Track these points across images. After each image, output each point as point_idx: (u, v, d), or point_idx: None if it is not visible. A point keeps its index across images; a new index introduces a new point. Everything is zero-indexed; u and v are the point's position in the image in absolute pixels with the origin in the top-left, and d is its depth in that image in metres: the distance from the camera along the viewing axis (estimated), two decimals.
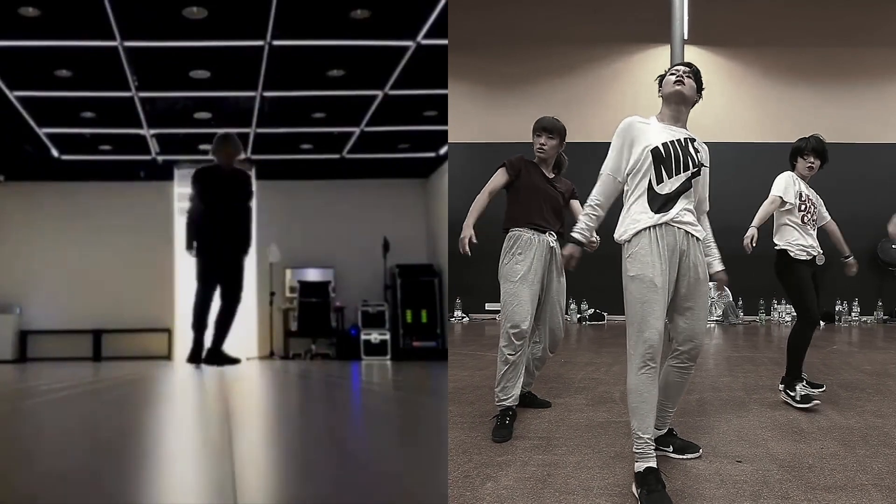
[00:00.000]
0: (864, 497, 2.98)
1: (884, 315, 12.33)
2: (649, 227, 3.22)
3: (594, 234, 3.56)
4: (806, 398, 4.77)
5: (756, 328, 11.35)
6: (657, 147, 3.31)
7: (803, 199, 5.25)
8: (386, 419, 3.18)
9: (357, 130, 9.07)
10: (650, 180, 3.30)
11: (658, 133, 3.37)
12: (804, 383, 4.92)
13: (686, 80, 3.44)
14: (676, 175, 3.31)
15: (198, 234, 7.58)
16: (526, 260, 4.28)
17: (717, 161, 13.92)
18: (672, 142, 3.35)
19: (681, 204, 3.29)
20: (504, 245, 4.38)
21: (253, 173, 10.66)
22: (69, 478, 1.94)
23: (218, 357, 7.54)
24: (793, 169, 5.35)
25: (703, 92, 3.55)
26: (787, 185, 5.21)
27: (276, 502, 1.67)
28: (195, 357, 7.57)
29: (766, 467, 3.38)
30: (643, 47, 13.03)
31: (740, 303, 12.11)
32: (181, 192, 10.58)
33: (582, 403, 4.86)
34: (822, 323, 11.64)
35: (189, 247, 7.64)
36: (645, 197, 3.29)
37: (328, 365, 8.38)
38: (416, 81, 7.48)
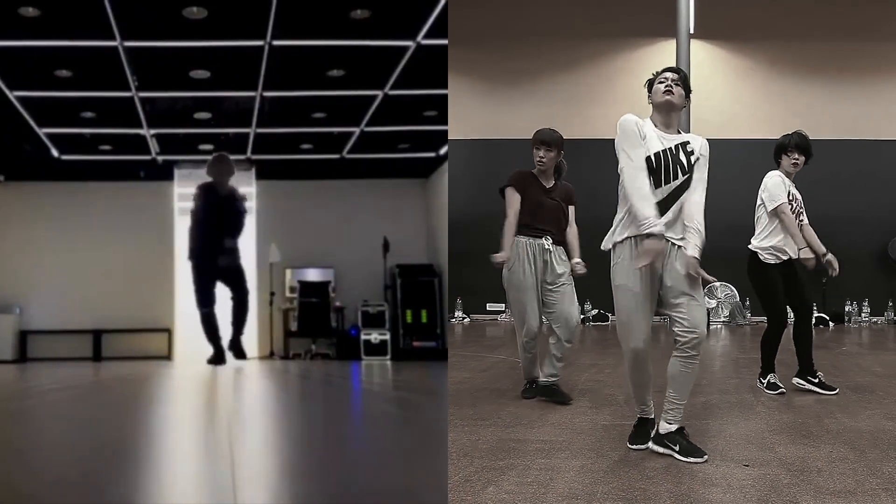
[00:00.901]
0: (875, 501, 2.94)
1: (895, 315, 11.92)
2: (630, 238, 3.49)
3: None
4: (773, 385, 5.26)
5: (763, 329, 11.26)
6: (650, 157, 3.48)
7: (790, 198, 5.29)
8: (386, 420, 3.18)
9: (357, 130, 9.06)
10: None
11: (654, 140, 3.53)
12: (775, 375, 5.33)
13: (675, 89, 3.57)
14: (666, 184, 3.50)
15: (198, 244, 8.08)
16: (526, 266, 4.87)
17: (721, 158, 13.83)
18: (663, 151, 3.51)
19: (669, 215, 3.49)
20: (509, 252, 4.89)
21: (253, 173, 10.69)
22: (69, 478, 1.94)
23: (238, 348, 8.14)
24: (778, 166, 5.38)
25: (691, 95, 3.72)
26: (779, 187, 5.23)
27: (276, 502, 1.67)
28: (218, 359, 8.14)
29: (775, 471, 3.33)
30: (648, 42, 12.77)
31: (747, 303, 11.84)
32: (181, 192, 10.59)
33: (585, 406, 4.81)
34: (831, 323, 11.52)
35: (191, 256, 8.15)
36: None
37: (328, 365, 8.37)
38: (416, 81, 7.47)
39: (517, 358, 7.08)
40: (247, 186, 10.66)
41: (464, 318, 12.29)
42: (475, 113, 12.89)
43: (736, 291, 11.85)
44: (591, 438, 3.96)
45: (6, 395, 4.44)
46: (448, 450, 3.55)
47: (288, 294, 10.47)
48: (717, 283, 11.78)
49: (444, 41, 6.58)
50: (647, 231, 3.36)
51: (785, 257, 5.24)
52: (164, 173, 10.43)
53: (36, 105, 7.96)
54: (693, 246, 3.50)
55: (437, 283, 10.09)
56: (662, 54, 12.24)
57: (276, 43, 6.55)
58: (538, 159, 5.03)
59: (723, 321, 11.79)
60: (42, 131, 8.81)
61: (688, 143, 3.61)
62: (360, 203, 10.83)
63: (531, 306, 4.85)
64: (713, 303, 11.88)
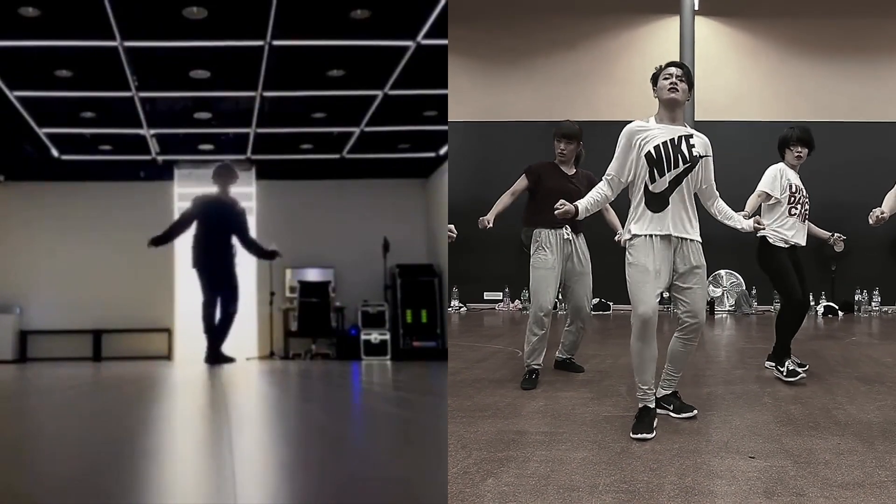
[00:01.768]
0: (883, 494, 2.91)
1: None
2: (645, 236, 3.88)
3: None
4: (792, 373, 5.25)
5: (770, 318, 11.09)
6: (650, 151, 3.87)
7: (793, 190, 5.46)
8: (386, 419, 3.18)
9: (357, 130, 9.06)
10: (645, 182, 3.89)
11: (654, 137, 3.89)
12: (791, 359, 5.39)
13: (679, 86, 3.91)
14: (668, 172, 3.86)
15: (200, 252, 8.28)
16: (549, 253, 5.28)
17: (728, 141, 13.75)
18: (665, 143, 3.88)
19: (675, 204, 3.88)
20: (532, 242, 5.36)
21: (253, 173, 10.69)
22: (69, 478, 1.94)
23: (217, 358, 8.18)
24: (782, 159, 5.56)
25: (693, 87, 4.05)
26: (773, 179, 5.43)
27: (276, 502, 1.67)
28: (211, 358, 8.23)
29: (781, 463, 3.31)
30: (652, 18, 12.26)
31: (753, 292, 11.67)
32: (181, 192, 10.59)
33: (587, 397, 4.79)
34: (840, 312, 11.34)
35: (194, 265, 8.33)
36: (643, 199, 3.91)
37: (328, 365, 8.38)
38: (416, 81, 7.47)
39: (516, 348, 7.14)
40: (247, 186, 10.66)
41: (460, 308, 12.14)
42: (471, 95, 12.27)
43: (742, 280, 11.61)
44: (593, 430, 3.93)
45: (6, 395, 4.44)
46: (448, 448, 3.54)
47: (288, 294, 10.46)
48: (723, 272, 11.67)
49: (444, 41, 6.58)
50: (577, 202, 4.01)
51: (792, 243, 5.43)
52: (164, 173, 10.42)
53: (36, 105, 7.96)
54: (741, 218, 4.33)
55: (437, 283, 10.09)
56: (667, 31, 11.82)
57: (276, 43, 6.55)
58: (559, 151, 5.45)
59: (728, 310, 11.55)
60: (42, 131, 8.81)
61: (691, 135, 3.98)
62: (360, 203, 10.83)
63: (547, 286, 5.22)
64: (718, 291, 11.72)
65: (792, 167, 5.51)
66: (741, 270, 11.47)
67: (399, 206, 10.90)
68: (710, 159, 4.07)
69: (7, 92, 7.49)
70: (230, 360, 8.24)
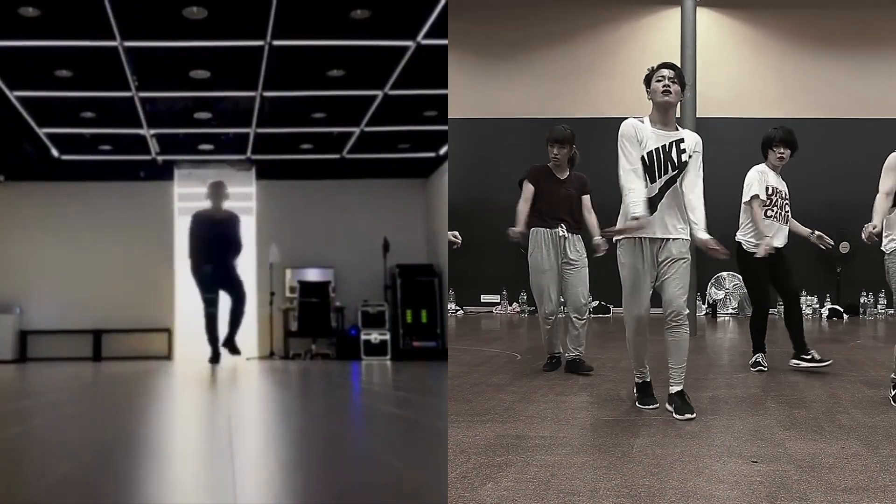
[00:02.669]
0: (888, 498, 2.88)
1: None
2: (635, 239, 4.15)
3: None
4: (755, 363, 5.81)
5: (773, 321, 11.04)
6: (643, 157, 4.11)
7: (770, 192, 5.64)
8: (386, 419, 3.18)
9: (357, 130, 9.06)
10: None
11: (648, 141, 4.12)
12: (763, 356, 5.84)
13: (672, 88, 4.11)
14: (659, 178, 4.14)
15: (199, 263, 8.70)
16: (543, 253, 5.60)
17: (728, 139, 13.50)
18: (657, 149, 4.12)
19: (663, 208, 4.14)
20: (529, 242, 5.68)
21: (253, 173, 10.69)
22: (69, 477, 1.94)
23: (232, 345, 8.63)
24: (765, 159, 5.73)
25: (685, 88, 4.26)
26: (758, 182, 5.61)
27: (276, 502, 1.67)
28: (215, 358, 8.64)
29: (784, 467, 3.28)
30: (652, 10, 11.94)
31: None
32: (181, 192, 10.60)
33: (587, 401, 4.77)
34: (845, 315, 11.17)
35: (195, 272, 8.76)
36: None
37: (328, 365, 8.38)
38: (416, 81, 7.47)
39: (514, 351, 7.15)
40: (247, 186, 10.67)
41: (457, 311, 11.98)
42: (466, 90, 11.92)
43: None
44: (593, 434, 3.91)
45: (6, 395, 4.44)
46: (448, 450, 3.54)
47: (288, 294, 10.46)
48: (725, 274, 11.61)
49: (444, 41, 6.59)
50: (632, 215, 4.08)
51: (772, 245, 5.55)
52: (164, 173, 10.42)
53: (36, 105, 7.96)
54: (702, 230, 4.20)
55: (437, 283, 10.09)
56: (667, 23, 11.50)
57: (276, 43, 6.55)
58: (553, 156, 5.66)
59: (731, 312, 11.45)
60: (42, 131, 8.81)
61: (682, 140, 4.20)
62: (360, 203, 10.82)
63: (549, 287, 5.60)
64: (721, 294, 11.65)
65: (774, 168, 5.68)
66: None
67: (399, 206, 10.90)
68: (699, 156, 4.27)
69: (7, 92, 7.49)
70: (238, 352, 8.63)
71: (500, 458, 3.46)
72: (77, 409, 3.63)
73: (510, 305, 12.13)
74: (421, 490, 1.78)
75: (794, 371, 5.88)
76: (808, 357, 5.79)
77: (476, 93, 12.16)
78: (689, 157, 4.19)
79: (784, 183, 5.81)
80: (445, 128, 8.90)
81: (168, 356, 10.49)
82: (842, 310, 11.32)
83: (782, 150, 5.63)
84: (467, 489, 3.01)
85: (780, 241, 5.67)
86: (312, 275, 10.53)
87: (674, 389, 4.30)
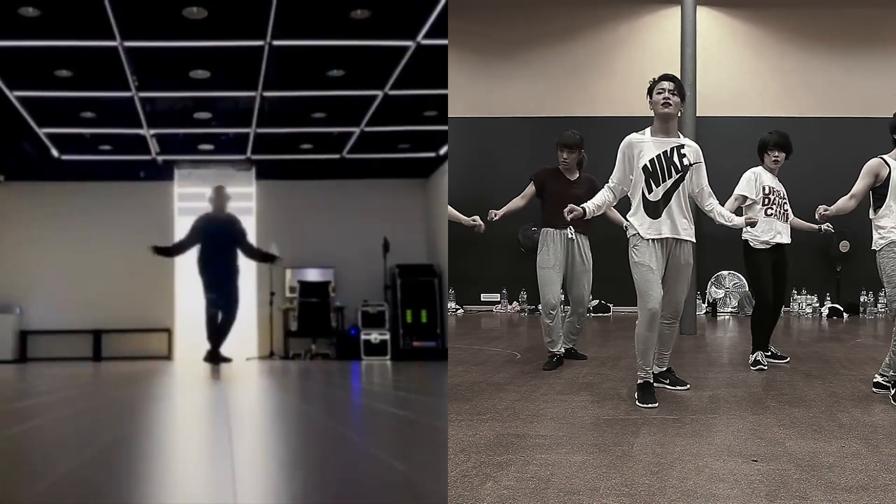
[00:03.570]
0: (888, 497, 2.89)
1: None
2: (648, 240, 4.48)
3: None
4: (755, 363, 5.84)
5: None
6: (646, 164, 4.45)
7: (767, 192, 5.81)
8: (386, 419, 3.18)
9: (357, 130, 9.06)
10: (643, 191, 4.50)
11: (650, 149, 4.46)
12: (762, 354, 5.89)
13: (672, 100, 4.42)
14: (663, 183, 4.47)
15: (205, 265, 8.71)
16: (551, 251, 5.88)
17: (728, 139, 13.45)
18: (658, 156, 4.45)
19: (672, 210, 4.47)
20: (539, 241, 5.99)
21: (253, 173, 10.69)
22: (69, 478, 1.94)
23: (215, 358, 8.55)
24: (761, 162, 5.94)
25: (685, 98, 4.63)
26: (748, 182, 5.81)
27: (276, 502, 1.67)
28: (212, 358, 8.59)
29: (784, 466, 3.28)
30: (652, 9, 11.85)
31: None
32: (181, 192, 10.59)
33: (587, 400, 4.76)
34: (845, 314, 11.14)
35: (201, 274, 8.77)
36: (642, 204, 4.51)
37: (328, 365, 8.38)
38: (416, 81, 7.47)
39: (514, 350, 7.16)
40: (247, 186, 10.66)
41: (457, 310, 11.99)
42: (465, 89, 11.89)
43: (744, 281, 11.41)
44: (593, 433, 3.91)
45: (6, 395, 4.44)
46: (448, 450, 3.54)
47: (288, 294, 10.46)
48: (725, 273, 11.58)
49: (444, 41, 6.58)
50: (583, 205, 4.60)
51: (772, 243, 5.78)
52: (164, 173, 10.42)
53: (36, 105, 7.96)
54: (728, 216, 4.77)
55: (437, 283, 10.09)
56: (667, 22, 11.38)
57: (276, 43, 6.55)
58: (562, 160, 5.96)
59: (731, 311, 11.41)
60: (42, 131, 8.81)
61: (683, 146, 4.51)
62: (360, 203, 10.82)
63: (551, 283, 5.83)
64: (721, 292, 11.63)
65: (770, 171, 5.88)
66: (743, 271, 11.36)
67: (399, 206, 10.89)
68: (702, 165, 4.61)
69: (7, 92, 7.49)
70: (227, 360, 8.59)
71: (501, 457, 3.46)
72: (77, 409, 3.63)
73: (510, 304, 12.13)
74: (421, 489, 1.78)
75: (794, 370, 5.90)
76: (769, 354, 6.06)
77: (476, 92, 12.14)
78: (691, 164, 4.52)
79: (781, 184, 5.97)
80: (445, 128, 8.90)
81: (168, 356, 10.49)
82: (842, 309, 11.31)
83: (777, 154, 5.83)
84: (467, 488, 3.01)
85: (784, 238, 5.86)
86: (312, 275, 10.52)
87: (663, 368, 4.92)
